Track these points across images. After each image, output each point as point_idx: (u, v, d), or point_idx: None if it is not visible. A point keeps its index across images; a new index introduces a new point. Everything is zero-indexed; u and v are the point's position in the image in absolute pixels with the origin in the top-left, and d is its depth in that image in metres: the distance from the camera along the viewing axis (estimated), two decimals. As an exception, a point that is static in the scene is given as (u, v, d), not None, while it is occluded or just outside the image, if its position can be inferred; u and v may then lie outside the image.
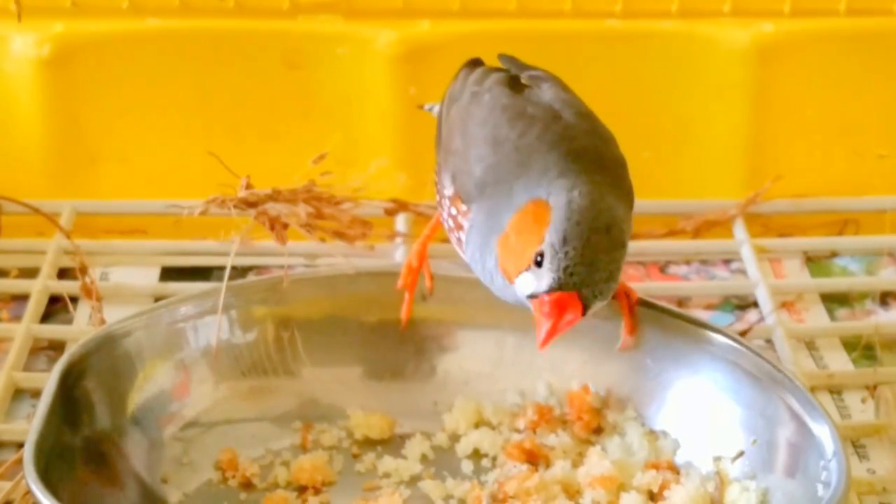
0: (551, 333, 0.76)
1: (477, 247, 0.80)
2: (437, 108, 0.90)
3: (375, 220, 0.96)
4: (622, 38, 1.06)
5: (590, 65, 1.05)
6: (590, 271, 0.75)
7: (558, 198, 0.76)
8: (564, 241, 0.75)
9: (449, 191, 0.83)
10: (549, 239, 0.76)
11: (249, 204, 0.87)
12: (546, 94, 0.83)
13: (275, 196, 0.87)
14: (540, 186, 0.78)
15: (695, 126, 1.07)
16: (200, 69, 1.06)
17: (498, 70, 0.87)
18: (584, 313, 0.76)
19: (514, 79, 0.85)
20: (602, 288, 0.76)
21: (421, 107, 0.94)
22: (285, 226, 0.87)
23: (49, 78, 1.05)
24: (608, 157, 0.81)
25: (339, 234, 0.92)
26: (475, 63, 0.88)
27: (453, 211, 0.82)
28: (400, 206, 1.02)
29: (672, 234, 1.06)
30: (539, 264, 0.76)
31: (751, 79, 1.06)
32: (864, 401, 0.91)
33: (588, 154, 0.79)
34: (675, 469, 0.83)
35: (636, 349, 0.86)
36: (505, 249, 0.78)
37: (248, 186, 0.87)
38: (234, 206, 0.86)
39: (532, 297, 0.77)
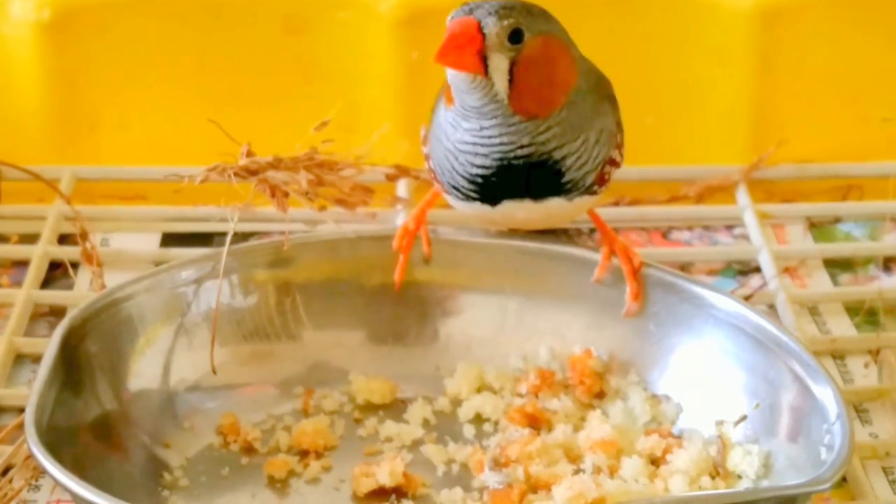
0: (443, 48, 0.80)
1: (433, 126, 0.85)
2: None
3: (376, 185, 0.96)
4: (625, 2, 1.05)
5: (592, 29, 1.04)
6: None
7: None
8: None
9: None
10: None
11: (250, 172, 0.86)
12: None
13: (276, 164, 0.87)
14: None
15: (698, 91, 1.06)
16: (201, 34, 1.06)
17: None
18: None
19: None
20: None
21: None
22: (286, 194, 0.87)
23: (49, 43, 1.05)
24: None
25: (340, 202, 0.92)
26: None
27: (427, 166, 0.86)
28: (401, 171, 1.02)
29: (675, 199, 1.05)
30: None
31: (754, 43, 1.05)
32: (866, 365, 0.91)
33: None
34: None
35: (639, 314, 0.86)
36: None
37: (249, 154, 0.86)
38: (235, 175, 0.85)
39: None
